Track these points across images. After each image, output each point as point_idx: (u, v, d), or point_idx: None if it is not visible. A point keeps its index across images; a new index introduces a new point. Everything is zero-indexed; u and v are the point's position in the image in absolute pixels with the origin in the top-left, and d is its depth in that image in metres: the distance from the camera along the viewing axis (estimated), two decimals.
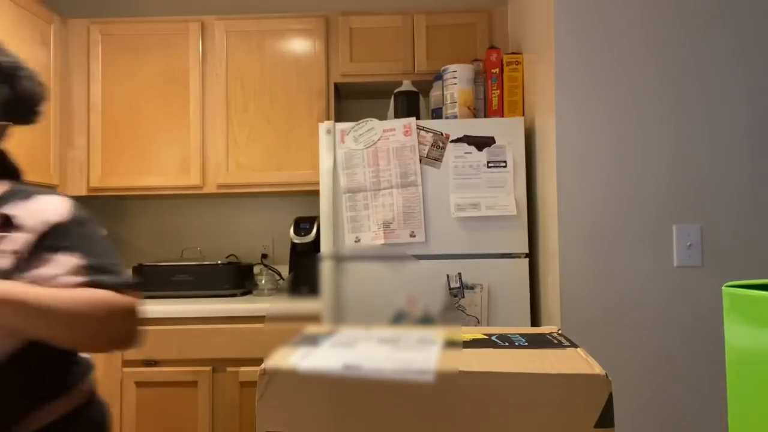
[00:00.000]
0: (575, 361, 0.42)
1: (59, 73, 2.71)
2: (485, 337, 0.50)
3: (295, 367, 0.38)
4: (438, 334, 0.48)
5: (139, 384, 2.37)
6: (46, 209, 1.04)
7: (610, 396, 0.38)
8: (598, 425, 0.37)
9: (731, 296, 0.49)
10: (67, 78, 2.77)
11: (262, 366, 0.38)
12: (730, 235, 1.73)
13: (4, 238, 0.99)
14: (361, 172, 2.16)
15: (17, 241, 1.00)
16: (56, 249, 1.01)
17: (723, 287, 0.50)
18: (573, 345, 0.47)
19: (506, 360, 0.43)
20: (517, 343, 0.48)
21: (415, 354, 0.42)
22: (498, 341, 0.48)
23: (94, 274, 1.01)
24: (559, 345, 0.47)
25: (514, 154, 2.12)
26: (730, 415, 0.49)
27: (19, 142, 2.42)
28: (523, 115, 2.28)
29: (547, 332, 0.53)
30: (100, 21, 2.81)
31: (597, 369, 0.39)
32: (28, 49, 2.50)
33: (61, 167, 2.73)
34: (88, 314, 0.96)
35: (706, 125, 1.75)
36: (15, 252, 0.99)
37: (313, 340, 0.45)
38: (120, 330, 1.00)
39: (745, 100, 1.74)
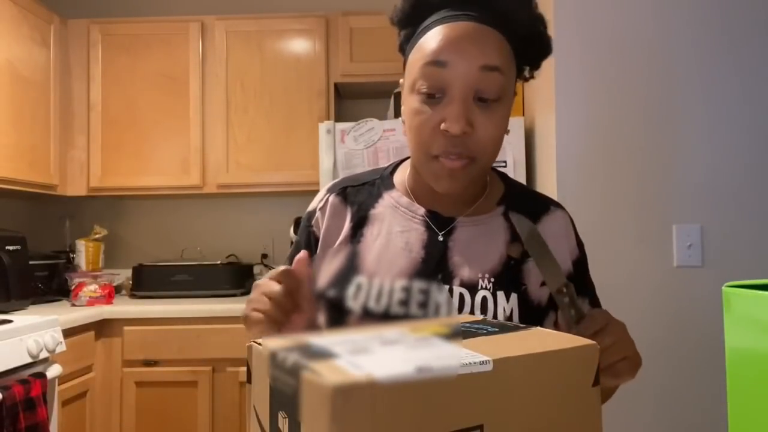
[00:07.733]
0: (556, 337, 0.48)
1: (59, 73, 2.70)
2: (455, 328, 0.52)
3: (373, 378, 0.36)
4: (409, 328, 0.49)
5: (139, 384, 2.37)
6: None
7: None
8: (593, 385, 0.46)
9: (731, 296, 0.49)
10: (67, 78, 2.77)
11: (329, 383, 0.35)
12: (730, 235, 1.73)
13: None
14: None
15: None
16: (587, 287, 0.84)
17: (723, 287, 0.50)
18: (527, 327, 0.52)
19: (509, 345, 0.46)
20: (489, 330, 0.51)
21: (423, 351, 0.42)
22: (475, 330, 0.51)
23: None
24: (518, 328, 0.52)
25: (514, 154, 2.12)
26: (730, 415, 0.49)
27: (19, 141, 2.42)
28: (523, 115, 2.28)
29: (480, 320, 0.57)
30: (100, 21, 2.81)
31: (583, 340, 0.47)
32: (28, 49, 2.49)
33: (61, 167, 2.72)
34: None
35: (706, 125, 1.75)
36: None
37: (320, 350, 0.42)
38: None
39: (744, 100, 1.74)
